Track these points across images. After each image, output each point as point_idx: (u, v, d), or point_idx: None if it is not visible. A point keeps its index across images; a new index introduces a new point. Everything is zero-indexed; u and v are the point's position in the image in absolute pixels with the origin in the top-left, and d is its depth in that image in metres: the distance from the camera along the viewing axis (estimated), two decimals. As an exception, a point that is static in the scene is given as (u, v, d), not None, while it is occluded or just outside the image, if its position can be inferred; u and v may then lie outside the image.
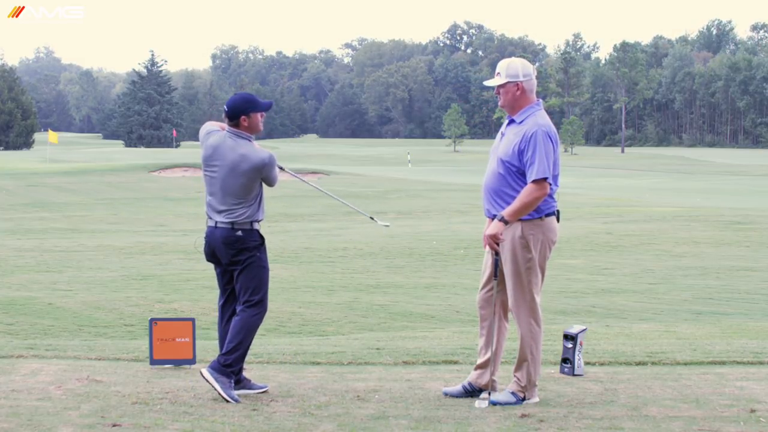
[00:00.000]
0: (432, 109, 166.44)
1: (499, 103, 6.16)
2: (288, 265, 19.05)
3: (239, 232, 6.18)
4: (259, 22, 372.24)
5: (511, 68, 6.04)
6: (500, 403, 5.88)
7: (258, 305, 6.24)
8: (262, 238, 6.29)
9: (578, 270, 19.05)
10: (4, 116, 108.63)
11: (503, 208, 5.93)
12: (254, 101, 6.25)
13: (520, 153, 5.90)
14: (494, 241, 5.89)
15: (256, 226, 6.25)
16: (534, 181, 5.82)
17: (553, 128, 6.01)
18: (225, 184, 6.16)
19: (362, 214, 6.52)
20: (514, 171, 5.94)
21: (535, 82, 6.10)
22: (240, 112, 6.19)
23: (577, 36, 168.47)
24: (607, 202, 39.61)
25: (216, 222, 6.24)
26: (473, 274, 17.44)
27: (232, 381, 6.09)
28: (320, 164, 71.58)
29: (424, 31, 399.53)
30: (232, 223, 6.19)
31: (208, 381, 6.03)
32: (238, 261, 6.21)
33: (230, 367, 6.07)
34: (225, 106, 6.27)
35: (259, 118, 6.25)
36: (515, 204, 5.86)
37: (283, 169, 6.60)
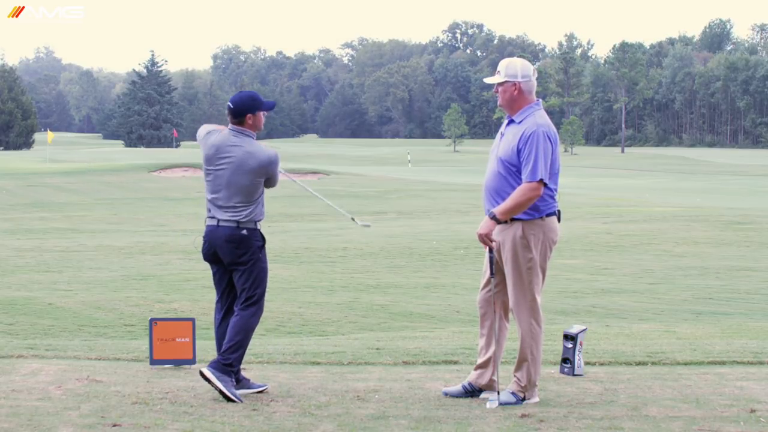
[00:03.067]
0: (432, 109, 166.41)
1: (498, 102, 6.18)
2: (288, 265, 19.04)
3: (244, 231, 6.16)
4: (259, 23, 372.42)
5: (510, 68, 6.05)
6: (501, 403, 5.88)
7: (256, 304, 6.24)
8: (263, 238, 6.29)
9: (578, 270, 19.05)
10: (4, 116, 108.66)
11: None
12: (260, 100, 6.25)
13: (519, 152, 5.91)
14: (487, 239, 5.91)
15: (259, 225, 6.25)
16: (529, 182, 5.83)
17: (553, 128, 6.01)
18: (231, 182, 6.13)
19: (344, 215, 6.53)
20: (514, 171, 5.93)
21: (534, 83, 6.09)
22: (246, 110, 6.18)
23: (571, 36, 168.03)
24: (607, 202, 39.60)
25: (218, 220, 6.20)
26: (473, 274, 17.43)
27: (233, 380, 6.09)
28: (320, 164, 71.58)
29: (424, 31, 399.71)
30: (237, 222, 6.17)
31: (209, 380, 5.97)
32: (243, 261, 6.19)
33: (231, 366, 6.05)
34: (230, 104, 6.23)
35: (263, 117, 6.26)
36: (507, 203, 5.85)
37: (281, 171, 6.61)
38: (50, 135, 69.76)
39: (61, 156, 78.18)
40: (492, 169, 6.07)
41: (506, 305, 6.16)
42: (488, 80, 6.15)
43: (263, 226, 6.38)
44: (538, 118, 5.96)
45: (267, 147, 6.26)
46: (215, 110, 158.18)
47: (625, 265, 19.96)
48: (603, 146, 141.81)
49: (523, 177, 5.85)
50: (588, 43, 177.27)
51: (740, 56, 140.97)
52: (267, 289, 6.35)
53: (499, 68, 6.12)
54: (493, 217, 5.87)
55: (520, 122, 6.00)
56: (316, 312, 13.47)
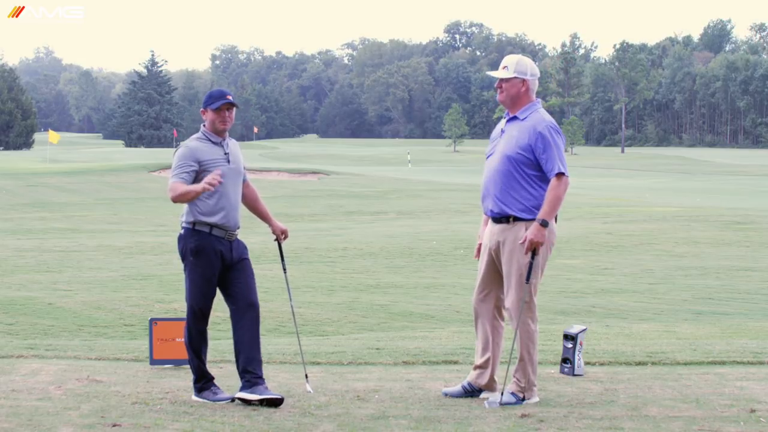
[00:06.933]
0: (432, 109, 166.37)
1: (499, 98, 6.14)
2: (288, 265, 19.02)
3: (181, 230, 6.14)
4: (259, 22, 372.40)
5: (521, 64, 6.06)
6: (501, 403, 5.88)
7: (187, 318, 6.23)
8: (198, 243, 6.13)
9: (578, 270, 19.05)
10: (4, 116, 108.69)
11: (518, 204, 5.94)
12: (209, 96, 6.08)
13: (532, 149, 5.92)
14: (538, 244, 5.86)
15: (196, 226, 6.11)
16: (556, 176, 5.86)
17: (557, 124, 6.07)
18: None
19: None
20: (523, 165, 5.93)
21: (537, 83, 6.13)
22: (203, 105, 6.11)
23: (574, 36, 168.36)
24: (607, 202, 39.61)
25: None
26: (473, 274, 17.35)
27: (212, 388, 6.04)
28: (320, 164, 71.60)
29: (424, 30, 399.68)
30: (180, 220, 6.21)
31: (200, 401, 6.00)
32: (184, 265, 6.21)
33: (196, 382, 6.06)
34: None
35: (213, 115, 6.01)
36: (546, 205, 5.85)
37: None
38: (53, 135, 69.43)
39: (61, 156, 78.19)
40: (494, 168, 6.05)
41: (499, 305, 6.17)
42: (494, 74, 6.12)
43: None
44: (544, 116, 6.02)
45: (187, 141, 6.13)
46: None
47: (625, 265, 19.95)
48: (603, 146, 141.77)
49: (549, 174, 5.89)
50: (592, 45, 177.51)
51: (740, 56, 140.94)
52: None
53: (505, 63, 6.11)
54: (543, 223, 5.84)
55: (524, 119, 6.01)
56: (316, 312, 13.46)
